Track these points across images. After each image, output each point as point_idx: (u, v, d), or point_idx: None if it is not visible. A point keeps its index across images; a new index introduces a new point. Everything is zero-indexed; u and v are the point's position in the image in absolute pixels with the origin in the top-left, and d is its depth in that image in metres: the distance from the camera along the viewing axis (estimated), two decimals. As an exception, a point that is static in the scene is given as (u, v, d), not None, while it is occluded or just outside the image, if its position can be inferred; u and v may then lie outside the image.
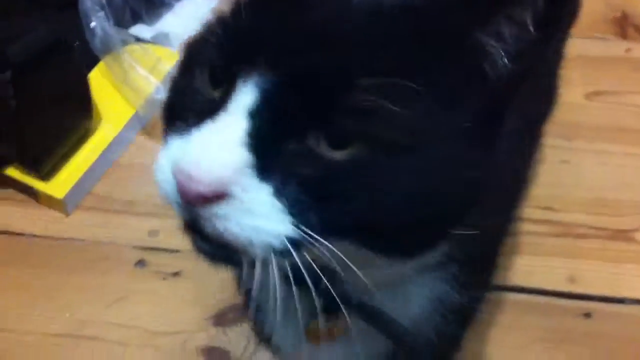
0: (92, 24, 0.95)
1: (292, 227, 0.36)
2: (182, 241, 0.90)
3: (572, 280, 0.87)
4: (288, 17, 0.39)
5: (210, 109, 0.38)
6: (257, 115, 0.36)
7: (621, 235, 0.91)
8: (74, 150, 0.92)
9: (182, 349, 0.82)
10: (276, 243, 0.36)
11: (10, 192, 0.94)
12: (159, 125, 1.05)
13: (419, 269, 0.46)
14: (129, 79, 0.97)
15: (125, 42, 0.98)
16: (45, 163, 0.87)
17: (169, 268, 0.88)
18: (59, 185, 0.90)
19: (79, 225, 0.92)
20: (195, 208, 0.36)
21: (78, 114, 0.89)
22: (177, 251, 0.90)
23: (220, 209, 0.36)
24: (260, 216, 0.36)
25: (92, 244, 0.90)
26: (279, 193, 0.36)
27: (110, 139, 0.94)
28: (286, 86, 0.36)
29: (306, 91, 0.37)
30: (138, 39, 1.01)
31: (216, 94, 0.40)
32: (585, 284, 0.86)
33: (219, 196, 0.35)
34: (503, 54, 0.38)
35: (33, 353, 0.81)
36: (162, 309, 0.85)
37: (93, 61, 0.99)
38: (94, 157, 0.93)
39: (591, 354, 0.81)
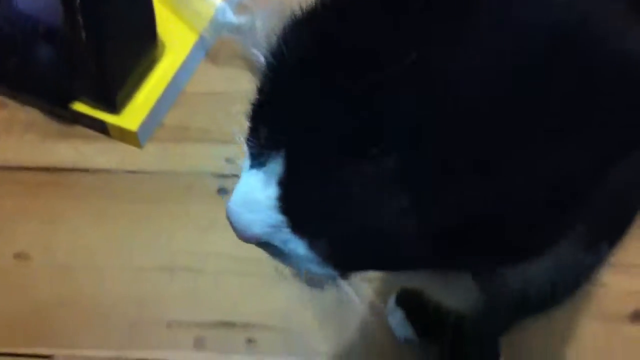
0: (145, -55, 0.90)
1: (332, 270, 0.38)
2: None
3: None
4: None
5: (260, 152, 0.36)
6: (286, 182, 0.35)
7: None
8: (142, 81, 0.88)
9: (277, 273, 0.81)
10: (326, 277, 0.39)
11: (78, 128, 0.91)
12: (223, 51, 1.02)
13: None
14: (190, 1, 0.93)
15: (180, -38, 0.93)
16: (118, 95, 0.84)
17: (250, 195, 0.87)
18: (131, 117, 0.87)
19: (154, 157, 0.89)
20: None
21: (145, 41, 0.85)
22: (255, 177, 0.88)
23: (271, 249, 0.38)
24: (304, 261, 0.37)
25: (170, 174, 0.88)
26: (311, 246, 0.37)
27: (176, 66, 0.91)
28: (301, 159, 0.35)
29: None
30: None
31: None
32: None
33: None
34: None
35: (126, 288, 0.80)
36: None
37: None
38: (162, 87, 0.89)
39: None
